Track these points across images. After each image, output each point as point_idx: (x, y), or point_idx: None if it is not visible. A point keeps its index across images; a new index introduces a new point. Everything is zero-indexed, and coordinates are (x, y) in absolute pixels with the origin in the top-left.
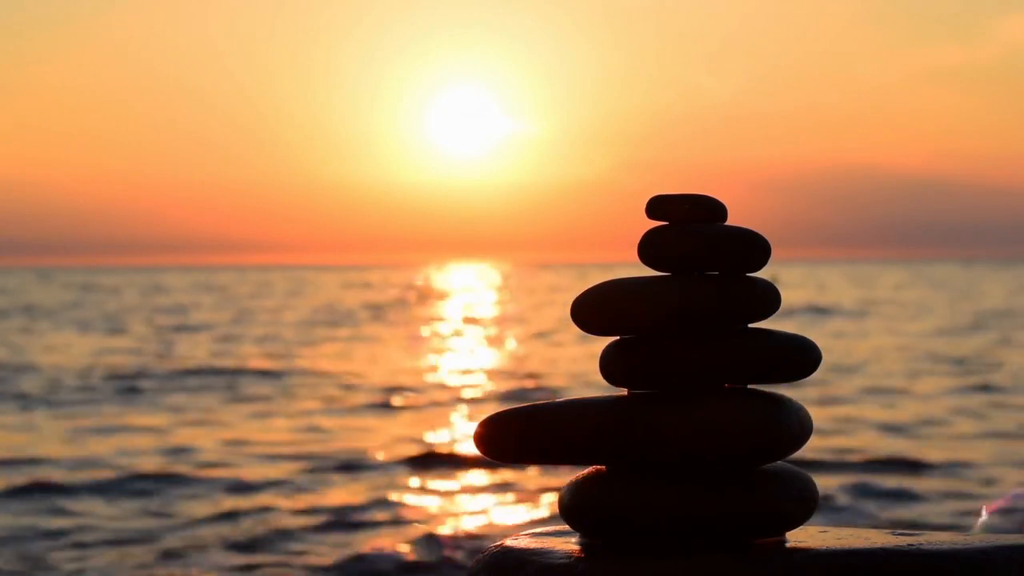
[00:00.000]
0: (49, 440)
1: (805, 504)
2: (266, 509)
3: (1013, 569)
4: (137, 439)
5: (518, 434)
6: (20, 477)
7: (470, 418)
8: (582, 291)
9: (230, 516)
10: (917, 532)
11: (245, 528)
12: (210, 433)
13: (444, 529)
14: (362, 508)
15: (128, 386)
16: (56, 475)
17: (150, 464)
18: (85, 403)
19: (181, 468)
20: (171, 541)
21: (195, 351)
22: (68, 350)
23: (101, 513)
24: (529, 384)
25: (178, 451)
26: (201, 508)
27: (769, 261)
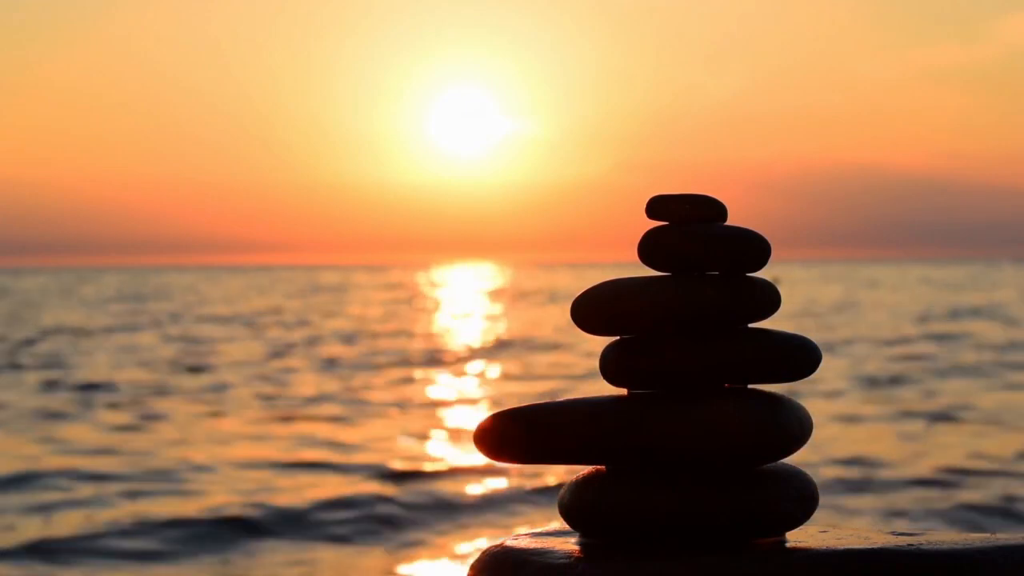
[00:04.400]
0: None
1: (805, 504)
2: None
3: (1013, 569)
4: None
5: (518, 434)
6: None
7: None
8: (582, 291)
9: None
10: (917, 532)
11: None
12: None
13: (444, 528)
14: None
15: None
16: None
17: None
18: None
19: None
20: None
21: None
22: None
23: None
24: None
25: None
26: None
27: (769, 261)
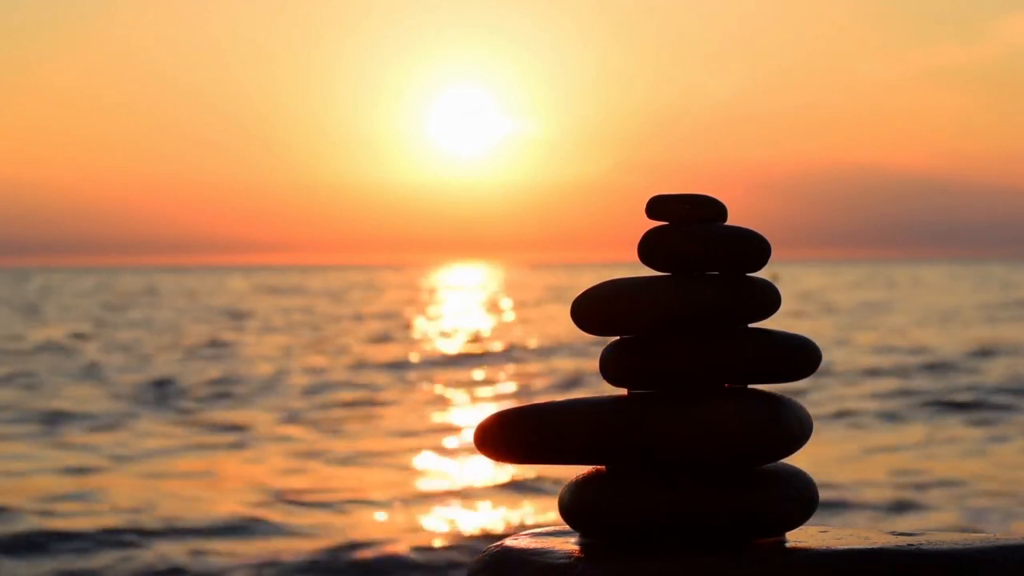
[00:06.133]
0: None
1: (805, 504)
2: None
3: (1013, 569)
4: None
5: (518, 434)
6: None
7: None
8: (582, 291)
9: None
10: (917, 532)
11: None
12: None
13: (444, 528)
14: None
15: None
16: None
17: None
18: None
19: None
20: None
21: None
22: None
23: None
24: None
25: None
26: None
27: (769, 261)
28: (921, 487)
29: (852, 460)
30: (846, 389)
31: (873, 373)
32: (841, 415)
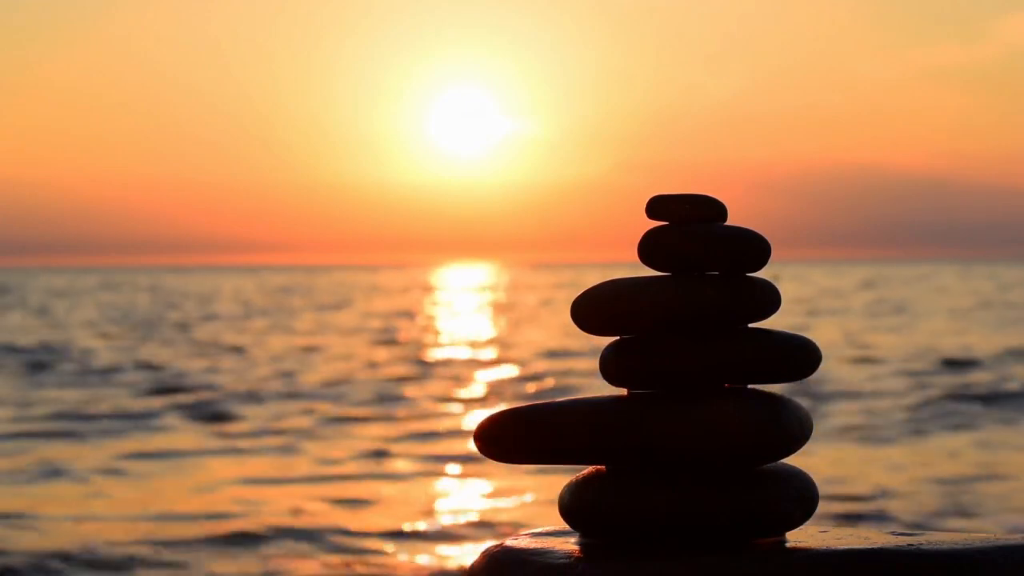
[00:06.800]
0: None
1: (804, 504)
2: None
3: (1013, 569)
4: None
5: (518, 434)
6: None
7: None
8: (582, 291)
9: None
10: (917, 532)
11: None
12: None
13: (444, 529)
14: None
15: None
16: None
17: None
18: None
19: None
20: None
21: None
22: None
23: None
24: None
25: None
26: None
27: (769, 261)
28: (935, 486)
29: (876, 463)
30: (875, 390)
31: (896, 372)
32: (867, 419)
